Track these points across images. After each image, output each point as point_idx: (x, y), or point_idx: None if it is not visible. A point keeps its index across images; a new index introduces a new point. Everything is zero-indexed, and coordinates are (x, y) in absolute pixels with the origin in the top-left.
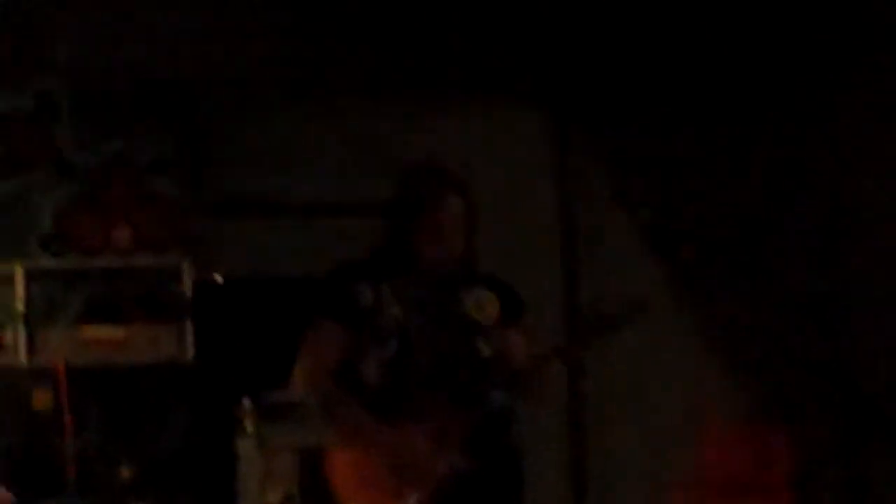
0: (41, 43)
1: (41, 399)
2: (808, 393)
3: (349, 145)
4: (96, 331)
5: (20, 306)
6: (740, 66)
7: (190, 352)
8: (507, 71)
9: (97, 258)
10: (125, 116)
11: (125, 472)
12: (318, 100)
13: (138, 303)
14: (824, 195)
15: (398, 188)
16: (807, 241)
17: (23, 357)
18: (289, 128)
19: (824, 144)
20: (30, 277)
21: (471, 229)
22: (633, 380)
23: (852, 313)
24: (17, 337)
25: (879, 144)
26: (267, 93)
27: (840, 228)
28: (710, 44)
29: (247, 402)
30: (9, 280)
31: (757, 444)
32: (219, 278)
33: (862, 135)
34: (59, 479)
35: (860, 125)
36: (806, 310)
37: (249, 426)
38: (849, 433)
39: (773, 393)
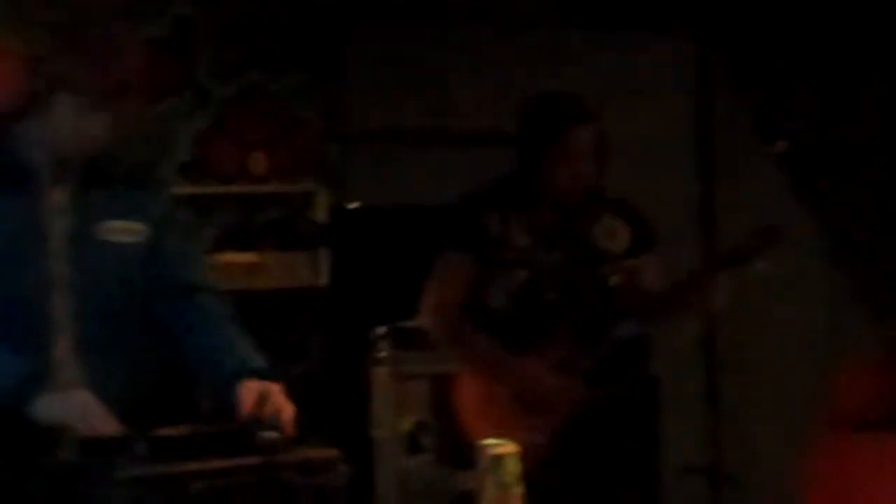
0: None
1: None
2: None
3: (487, 76)
4: (231, 257)
5: None
6: None
7: (324, 278)
8: (647, 1)
9: (233, 185)
10: (263, 44)
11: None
12: (458, 30)
13: (273, 229)
14: None
15: (529, 117)
16: None
17: None
18: (427, 57)
19: None
20: None
21: (602, 159)
22: (768, 310)
23: None
24: None
25: None
26: (407, 22)
27: None
28: None
29: (380, 329)
30: None
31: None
32: (354, 205)
33: None
34: (191, 406)
35: None
36: None
37: (383, 353)
38: None
39: None
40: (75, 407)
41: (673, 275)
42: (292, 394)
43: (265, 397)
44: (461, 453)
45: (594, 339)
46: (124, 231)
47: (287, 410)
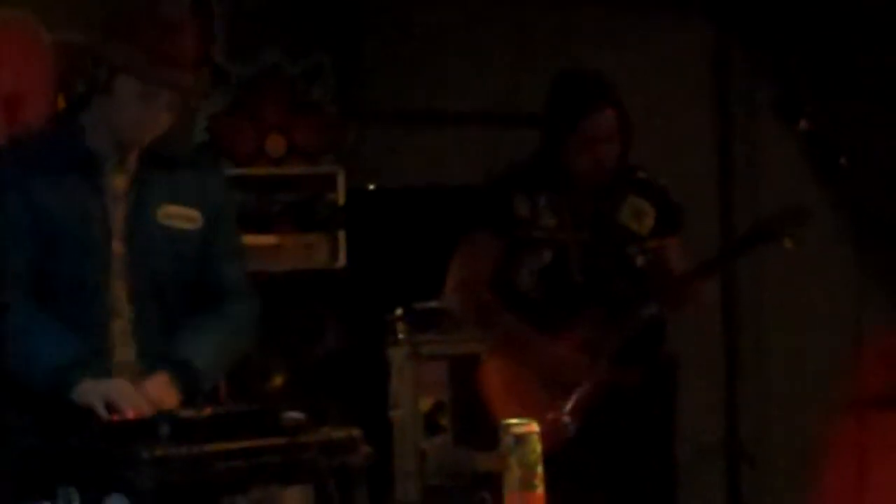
0: None
1: None
2: None
3: (507, 56)
4: (250, 239)
5: None
6: None
7: (342, 260)
8: None
9: (251, 167)
10: (281, 26)
11: (277, 380)
12: (476, 10)
13: (292, 211)
14: None
15: (552, 98)
16: None
17: None
18: (446, 37)
19: None
20: None
21: (625, 140)
22: (790, 290)
23: None
24: None
25: None
26: (425, 3)
27: None
28: None
29: (399, 311)
30: None
31: None
32: (372, 186)
33: None
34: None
35: None
36: None
37: (401, 334)
38: None
39: None
40: (109, 392)
41: (694, 253)
42: (311, 375)
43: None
44: (479, 434)
45: (620, 319)
46: (181, 216)
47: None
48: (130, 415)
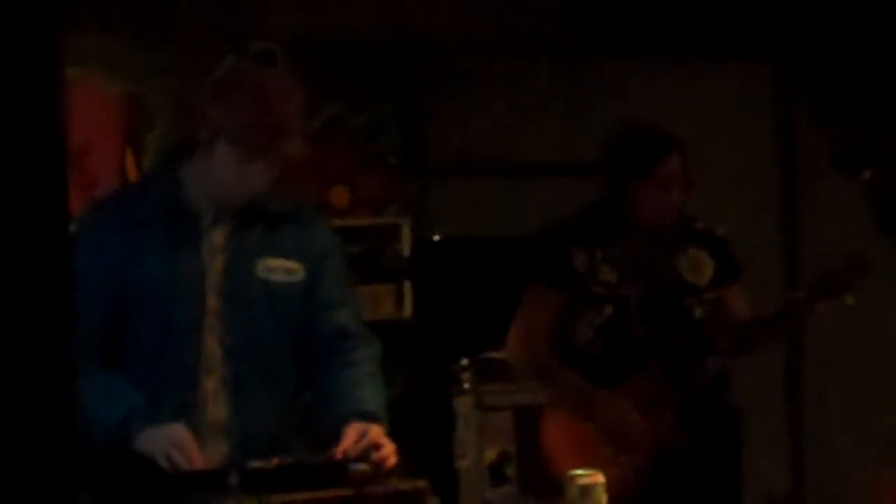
0: (261, 4)
1: None
2: None
3: (567, 106)
4: None
5: None
6: None
7: (408, 310)
8: (730, 30)
9: None
10: (344, 78)
11: None
12: (536, 61)
13: (357, 262)
14: None
15: (617, 148)
16: None
17: None
18: (507, 89)
19: None
20: None
21: (687, 189)
22: (852, 343)
23: None
24: None
25: None
26: (486, 54)
27: None
28: None
29: (464, 360)
30: None
31: None
32: (436, 237)
33: None
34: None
35: None
36: None
37: (467, 384)
38: None
39: None
40: (169, 440)
41: (756, 304)
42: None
43: (363, 435)
44: (545, 484)
45: (682, 373)
46: (281, 269)
47: (385, 448)
48: (191, 463)
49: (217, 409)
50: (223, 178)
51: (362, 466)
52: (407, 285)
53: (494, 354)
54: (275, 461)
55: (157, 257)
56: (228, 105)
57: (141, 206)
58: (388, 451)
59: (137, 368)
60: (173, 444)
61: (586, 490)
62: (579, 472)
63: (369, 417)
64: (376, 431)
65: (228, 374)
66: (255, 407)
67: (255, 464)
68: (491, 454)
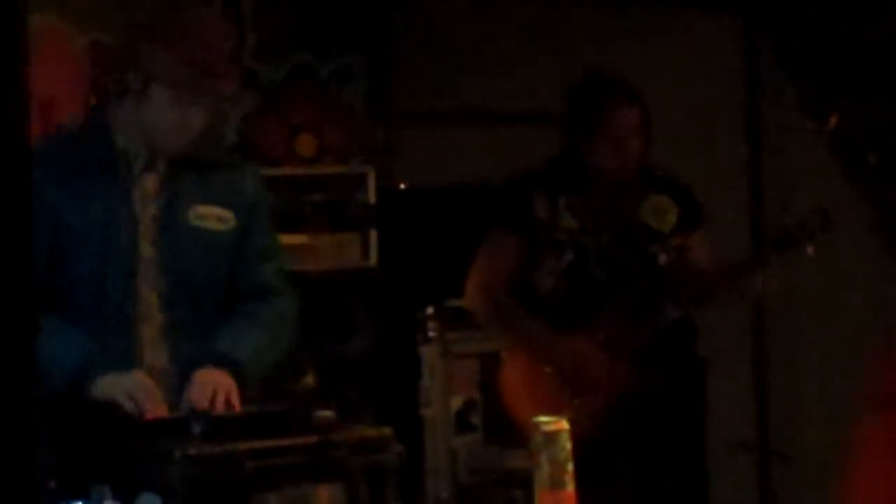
0: None
1: None
2: None
3: (532, 54)
4: (281, 239)
5: None
6: None
7: (375, 258)
8: None
9: (282, 167)
10: (310, 27)
11: (308, 379)
12: (501, 9)
13: (323, 211)
14: None
15: (572, 99)
16: None
17: None
18: (473, 37)
19: None
20: None
21: (646, 138)
22: (816, 292)
23: None
24: None
25: None
26: (455, 2)
27: None
28: None
29: (430, 309)
30: None
31: None
32: (403, 186)
33: None
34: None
35: None
36: None
37: (432, 332)
38: None
39: None
40: (130, 386)
41: (720, 252)
42: (344, 374)
43: (204, 384)
44: (509, 432)
45: (642, 318)
46: (214, 217)
47: (218, 396)
48: (151, 410)
49: (155, 356)
50: (157, 123)
51: (326, 413)
52: (373, 234)
53: (460, 303)
54: (238, 409)
55: (90, 205)
56: (161, 45)
57: (73, 153)
58: (220, 400)
59: (76, 316)
60: (138, 387)
61: (551, 437)
62: (543, 418)
63: (220, 361)
64: (210, 377)
65: (165, 321)
66: (191, 352)
67: (219, 412)
68: (457, 402)
